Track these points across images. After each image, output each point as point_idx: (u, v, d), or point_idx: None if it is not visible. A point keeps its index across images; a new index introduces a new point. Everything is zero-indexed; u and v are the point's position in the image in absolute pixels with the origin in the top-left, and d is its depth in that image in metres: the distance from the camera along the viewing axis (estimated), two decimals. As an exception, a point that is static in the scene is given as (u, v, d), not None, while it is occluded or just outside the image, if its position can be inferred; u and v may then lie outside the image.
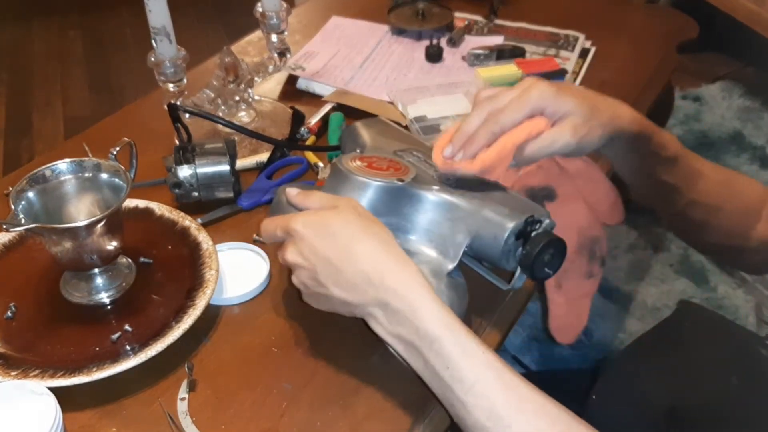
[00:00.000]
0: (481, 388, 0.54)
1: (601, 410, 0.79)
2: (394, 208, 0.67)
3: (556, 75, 1.12)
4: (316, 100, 1.11)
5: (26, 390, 0.61)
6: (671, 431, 0.76)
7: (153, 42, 0.88)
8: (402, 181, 0.67)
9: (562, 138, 0.65)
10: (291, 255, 0.63)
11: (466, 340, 0.56)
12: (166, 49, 0.89)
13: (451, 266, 0.66)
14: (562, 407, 0.54)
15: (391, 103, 1.09)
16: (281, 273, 0.79)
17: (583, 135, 0.65)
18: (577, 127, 0.65)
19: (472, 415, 0.54)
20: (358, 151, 0.76)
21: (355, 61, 1.21)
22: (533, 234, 0.65)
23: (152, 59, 0.90)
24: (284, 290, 0.77)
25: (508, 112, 0.65)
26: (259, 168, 0.95)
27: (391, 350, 0.62)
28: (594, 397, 0.81)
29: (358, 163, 0.70)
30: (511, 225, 0.64)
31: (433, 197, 0.68)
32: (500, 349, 1.30)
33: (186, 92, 0.95)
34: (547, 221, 0.66)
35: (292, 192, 0.67)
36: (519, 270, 0.66)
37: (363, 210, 0.64)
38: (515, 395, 0.54)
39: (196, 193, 0.86)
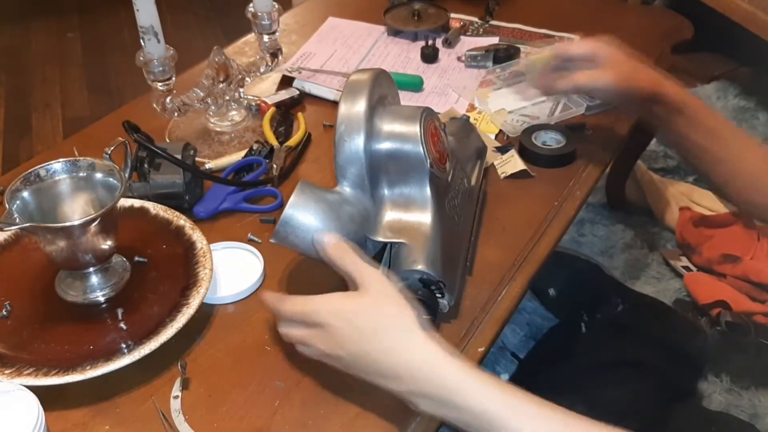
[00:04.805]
0: None
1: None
2: (404, 170, 0.72)
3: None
4: (311, 99, 1.11)
5: (8, 390, 0.62)
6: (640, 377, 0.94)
7: (141, 41, 0.89)
8: (432, 167, 0.72)
9: (604, 80, 0.85)
10: (317, 350, 0.62)
11: (511, 401, 0.56)
12: (154, 48, 0.89)
13: (373, 237, 0.72)
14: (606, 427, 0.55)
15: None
16: (275, 273, 0.79)
17: (623, 86, 0.84)
18: (618, 76, 0.84)
19: None
20: (443, 125, 0.79)
21: (351, 61, 1.21)
22: (427, 290, 0.69)
23: (141, 58, 0.91)
24: (278, 289, 0.78)
25: (575, 46, 0.89)
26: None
27: None
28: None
29: (431, 124, 0.74)
30: (421, 267, 0.69)
31: (429, 197, 0.72)
32: (499, 347, 1.32)
33: (175, 91, 0.95)
34: (445, 300, 0.71)
35: (331, 250, 0.66)
36: None
37: (390, 290, 0.62)
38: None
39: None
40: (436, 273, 0.70)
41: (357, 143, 0.70)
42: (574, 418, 0.56)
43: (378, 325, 0.60)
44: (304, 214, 0.68)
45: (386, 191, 0.74)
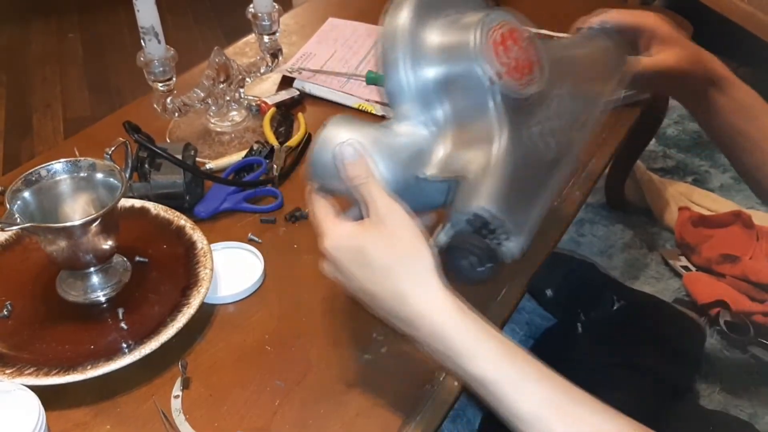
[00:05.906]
0: (542, 425, 0.50)
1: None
2: (462, 88, 0.58)
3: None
4: (311, 99, 1.12)
5: (9, 390, 0.62)
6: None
7: (142, 42, 0.89)
8: (496, 83, 0.57)
9: (668, 61, 0.77)
10: (327, 271, 0.59)
11: (519, 379, 0.52)
12: (154, 49, 0.89)
13: (428, 171, 0.58)
14: (616, 413, 0.53)
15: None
16: (275, 272, 0.80)
17: (685, 68, 0.76)
18: (682, 59, 0.76)
19: None
20: (513, 17, 0.62)
21: (351, 62, 1.21)
22: (480, 236, 0.56)
23: (141, 59, 0.91)
24: (278, 289, 0.78)
25: (623, 10, 0.80)
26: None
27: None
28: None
29: (499, 29, 0.59)
30: (476, 204, 0.54)
31: (494, 120, 0.58)
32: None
33: (175, 92, 0.96)
34: (511, 243, 0.56)
35: (350, 167, 0.57)
36: (442, 235, 0.57)
37: (408, 227, 0.54)
38: (576, 422, 0.51)
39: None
40: (498, 209, 0.54)
41: (400, 64, 0.58)
42: (581, 395, 0.52)
43: (389, 265, 0.53)
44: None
45: (446, 117, 0.60)
